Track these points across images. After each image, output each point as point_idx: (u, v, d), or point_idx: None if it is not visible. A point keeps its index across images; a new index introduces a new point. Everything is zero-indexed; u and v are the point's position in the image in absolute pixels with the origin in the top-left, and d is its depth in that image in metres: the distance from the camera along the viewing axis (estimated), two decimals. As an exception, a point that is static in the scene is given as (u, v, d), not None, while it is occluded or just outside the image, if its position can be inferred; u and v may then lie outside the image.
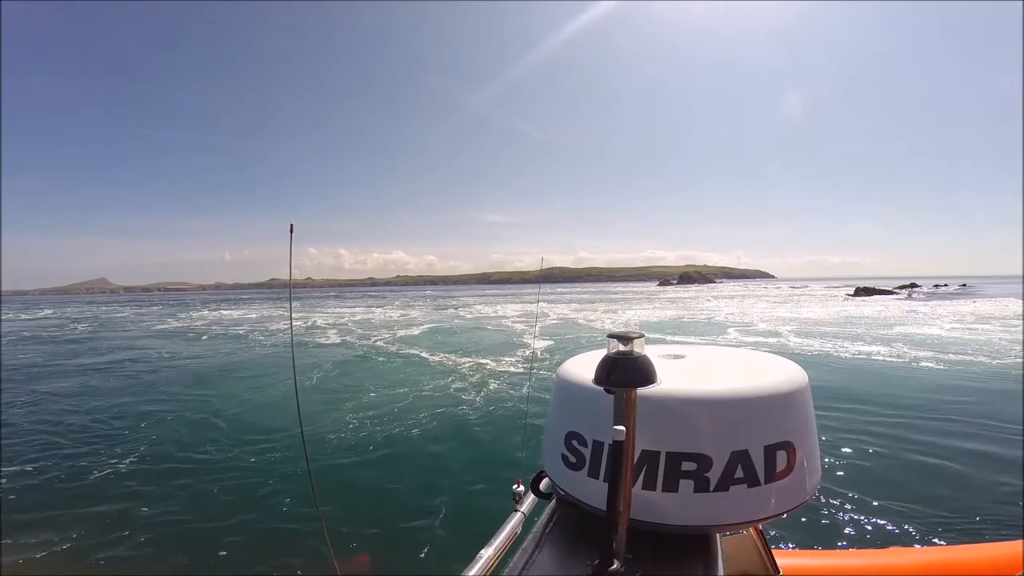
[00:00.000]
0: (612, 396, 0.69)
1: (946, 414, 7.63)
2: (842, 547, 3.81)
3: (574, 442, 0.81)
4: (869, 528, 4.22)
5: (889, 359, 13.07)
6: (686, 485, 0.72)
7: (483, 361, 13.37)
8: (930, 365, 12.01)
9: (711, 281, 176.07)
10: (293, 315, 7.95)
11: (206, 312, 45.12)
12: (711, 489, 0.72)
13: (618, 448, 0.65)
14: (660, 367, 0.81)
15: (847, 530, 4.19)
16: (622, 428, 0.64)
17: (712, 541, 0.77)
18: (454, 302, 57.51)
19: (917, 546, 3.15)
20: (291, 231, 1.23)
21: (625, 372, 0.67)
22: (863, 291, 53.37)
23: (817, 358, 13.43)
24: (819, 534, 4.09)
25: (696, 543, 0.76)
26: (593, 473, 0.78)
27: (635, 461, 0.72)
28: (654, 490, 0.73)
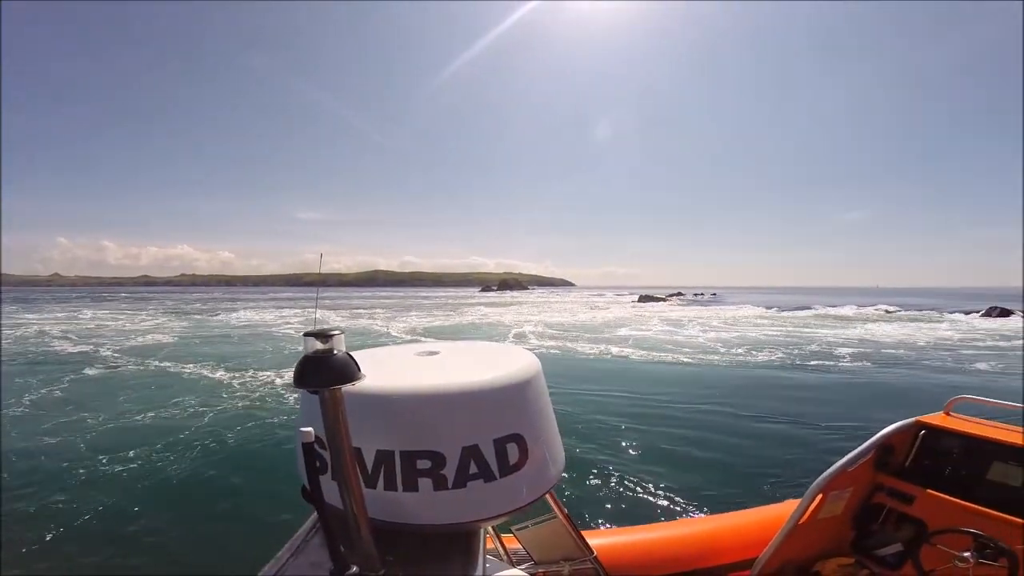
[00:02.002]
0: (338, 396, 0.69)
1: (699, 400, 9.14)
2: (643, 523, 3.72)
3: (316, 446, 0.78)
4: (663, 502, 4.79)
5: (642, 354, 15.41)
6: (425, 484, 0.74)
7: (236, 374, 11.68)
8: (686, 359, 14.66)
9: (525, 288, 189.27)
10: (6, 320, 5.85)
11: None
12: (450, 486, 0.74)
13: (308, 449, 0.66)
14: (410, 365, 0.85)
15: (643, 506, 4.74)
16: (309, 429, 0.65)
17: (473, 537, 0.79)
18: (231, 304, 53.17)
19: (700, 515, 3.29)
20: None
21: (321, 371, 0.66)
22: (645, 298, 67.40)
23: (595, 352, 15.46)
24: (621, 511, 4.62)
25: (457, 540, 0.78)
26: (335, 476, 0.77)
27: (372, 461, 0.75)
28: (396, 490, 0.74)
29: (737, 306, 52.61)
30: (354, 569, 0.67)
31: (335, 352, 0.66)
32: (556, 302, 66.39)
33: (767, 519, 2.80)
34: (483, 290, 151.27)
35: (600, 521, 4.43)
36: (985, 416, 2.78)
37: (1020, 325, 28.58)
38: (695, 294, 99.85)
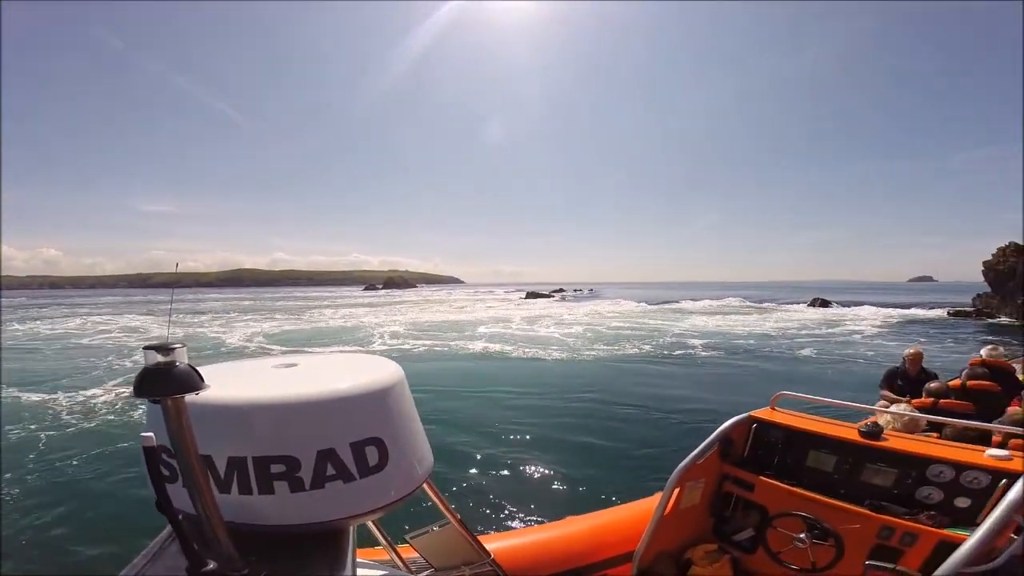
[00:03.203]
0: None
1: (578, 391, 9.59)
2: (535, 519, 4.28)
3: (164, 455, 0.82)
4: (554, 498, 5.14)
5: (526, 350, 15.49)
6: (281, 486, 0.77)
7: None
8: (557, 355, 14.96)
9: (413, 286, 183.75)
10: None
11: None
12: (307, 488, 0.77)
13: (150, 452, 0.68)
14: (267, 376, 0.88)
15: (535, 502, 4.96)
16: (150, 434, 0.68)
17: (341, 535, 0.82)
18: (51, 312, 43.52)
19: (588, 511, 3.29)
20: None
21: (162, 382, 0.69)
22: (532, 295, 68.66)
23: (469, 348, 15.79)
24: (514, 509, 4.79)
25: (324, 539, 0.81)
26: (185, 482, 0.80)
27: (225, 467, 0.77)
28: (251, 494, 0.77)
29: (612, 301, 56.21)
30: (211, 565, 0.69)
31: (177, 364, 0.69)
32: (445, 300, 65.14)
33: (642, 512, 2.95)
34: (367, 289, 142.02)
35: (495, 520, 4.61)
36: (802, 409, 3.14)
37: (835, 312, 34.64)
38: (575, 290, 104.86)
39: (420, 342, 18.92)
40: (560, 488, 5.36)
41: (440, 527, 1.57)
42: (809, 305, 40.93)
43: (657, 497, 2.89)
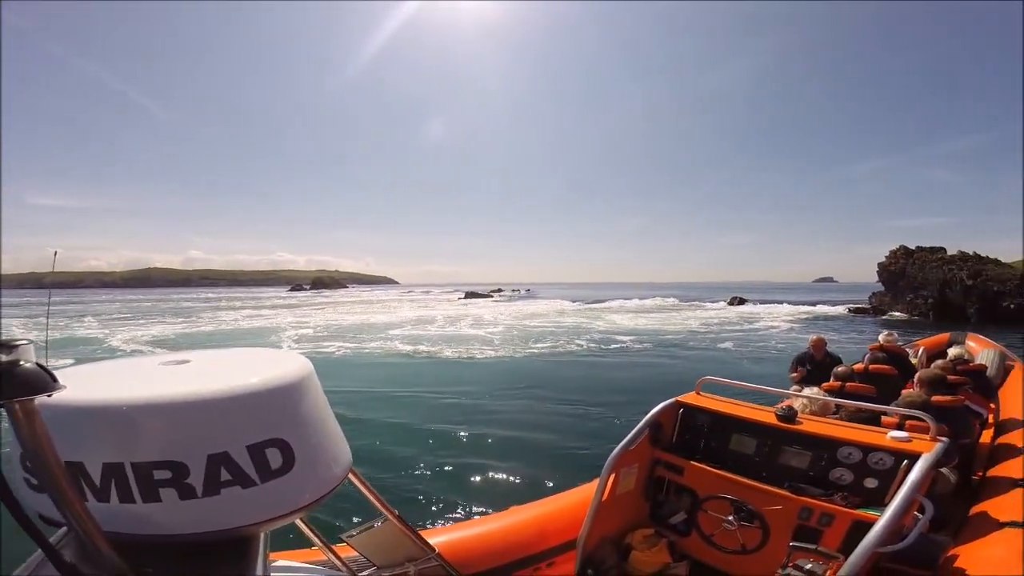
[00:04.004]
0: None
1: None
2: (480, 514, 4.24)
3: (28, 462, 0.77)
4: (497, 490, 5.10)
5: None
6: (168, 494, 0.70)
7: None
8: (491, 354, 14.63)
9: (344, 286, 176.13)
10: None
11: None
12: (199, 495, 0.70)
13: None
14: (151, 375, 0.81)
15: (480, 496, 4.95)
16: None
17: (250, 542, 0.77)
18: None
19: (532, 500, 3.28)
20: None
21: (3, 384, 0.62)
22: (471, 295, 68.20)
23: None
24: (459, 504, 4.75)
25: (230, 547, 0.76)
26: (49, 493, 0.75)
27: (100, 475, 0.71)
28: (134, 502, 0.70)
29: (549, 300, 56.92)
30: None
31: (21, 363, 0.62)
32: (377, 300, 62.83)
33: (585, 499, 2.90)
34: (293, 289, 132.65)
35: (438, 516, 4.57)
36: (725, 394, 3.21)
37: (751, 310, 36.89)
38: (513, 290, 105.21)
39: (341, 343, 17.71)
40: (501, 481, 5.31)
41: (378, 524, 1.55)
42: (729, 303, 43.33)
43: (595, 484, 2.89)
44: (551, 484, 4.66)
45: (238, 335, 22.06)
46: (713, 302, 45.83)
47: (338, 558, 1.58)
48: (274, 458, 0.74)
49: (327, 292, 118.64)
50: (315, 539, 1.46)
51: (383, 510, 1.44)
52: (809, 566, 2.10)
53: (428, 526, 4.10)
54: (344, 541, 1.61)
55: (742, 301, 43.30)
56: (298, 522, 1.25)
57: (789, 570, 2.11)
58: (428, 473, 5.53)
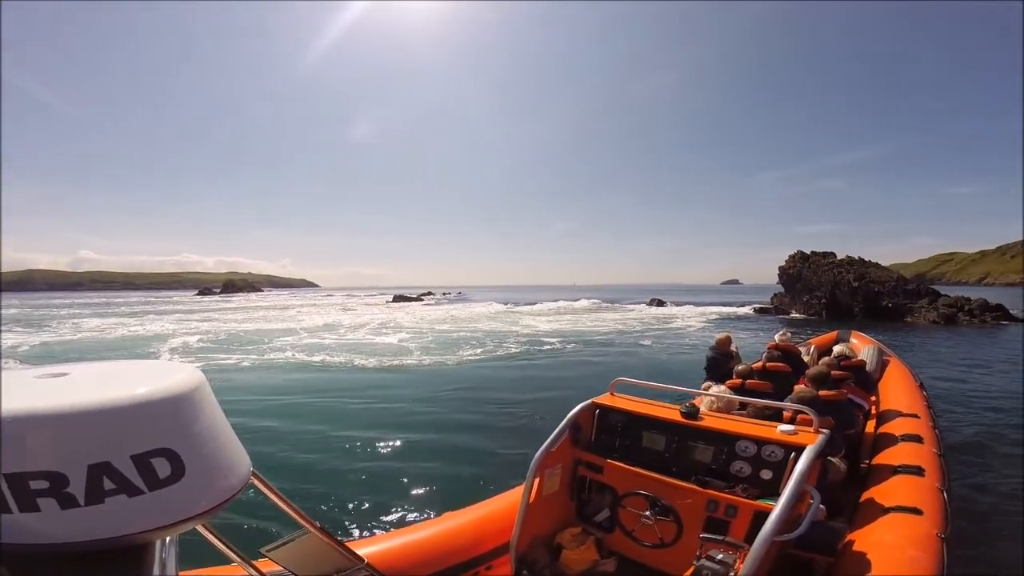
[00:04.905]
0: None
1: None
2: (413, 522, 4.08)
3: None
4: (427, 500, 4.94)
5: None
6: (48, 503, 0.68)
7: None
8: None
9: (259, 290, 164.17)
10: None
11: None
12: (82, 504, 0.68)
13: None
14: (25, 388, 0.77)
15: (408, 506, 4.78)
16: None
17: (145, 551, 0.76)
18: None
19: (463, 506, 3.24)
20: None
21: None
22: (399, 298, 65.77)
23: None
24: (387, 515, 4.61)
25: (124, 556, 0.75)
26: None
27: None
28: (11, 512, 0.67)
29: (481, 303, 56.56)
30: None
31: None
32: (297, 305, 58.92)
33: (518, 501, 2.93)
34: (201, 293, 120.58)
35: (370, 527, 4.42)
36: (638, 393, 3.35)
37: (668, 311, 38.97)
38: (444, 293, 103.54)
39: (250, 351, 16.37)
40: (433, 488, 5.23)
41: (300, 536, 1.51)
42: (648, 304, 45.48)
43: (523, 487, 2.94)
44: (489, 488, 4.45)
45: (118, 345, 19.54)
46: (635, 303, 47.91)
47: (260, 573, 1.50)
48: (162, 467, 0.72)
49: (240, 296, 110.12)
50: (232, 554, 1.37)
51: (301, 521, 1.40)
52: (720, 556, 2.20)
53: (356, 537, 4.04)
54: (266, 556, 1.54)
55: (661, 303, 45.54)
56: (212, 538, 1.19)
57: (703, 561, 2.20)
58: (353, 483, 5.33)
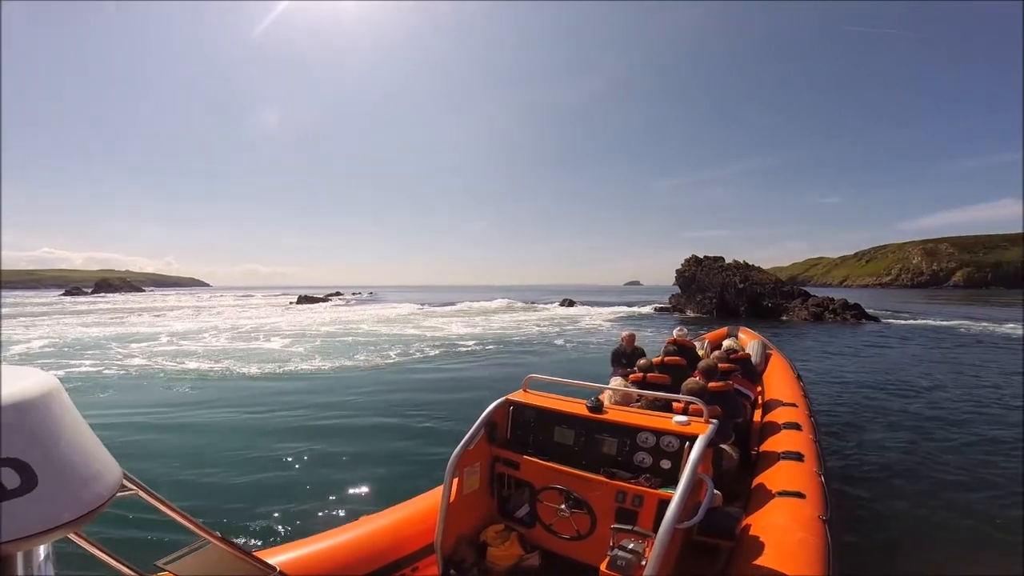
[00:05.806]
0: None
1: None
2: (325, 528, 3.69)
3: None
4: (340, 505, 4.74)
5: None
6: None
7: None
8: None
9: (139, 289, 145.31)
10: None
11: None
12: None
13: None
14: None
15: (322, 512, 4.60)
16: None
17: (4, 564, 0.72)
18: None
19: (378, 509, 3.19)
20: None
21: None
22: (304, 299, 60.42)
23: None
24: (303, 524, 4.35)
25: None
26: None
27: None
28: None
29: (393, 304, 54.87)
30: None
31: None
32: (182, 306, 53.15)
33: (436, 503, 2.93)
34: (68, 293, 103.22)
35: (279, 535, 4.24)
36: (550, 390, 3.41)
37: (578, 310, 40.53)
38: (354, 293, 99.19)
39: (130, 357, 14.35)
40: (347, 494, 5.06)
41: (196, 549, 1.39)
42: (560, 304, 47.01)
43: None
44: (409, 489, 4.28)
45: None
46: (548, 303, 49.16)
47: None
48: (9, 478, 0.66)
49: (117, 296, 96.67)
50: (126, 569, 1.23)
51: (198, 531, 1.30)
52: (632, 545, 2.27)
53: (264, 546, 3.77)
54: (165, 568, 1.41)
55: (572, 303, 47.32)
56: (101, 554, 1.09)
57: (616, 551, 2.27)
58: (256, 495, 5.02)
